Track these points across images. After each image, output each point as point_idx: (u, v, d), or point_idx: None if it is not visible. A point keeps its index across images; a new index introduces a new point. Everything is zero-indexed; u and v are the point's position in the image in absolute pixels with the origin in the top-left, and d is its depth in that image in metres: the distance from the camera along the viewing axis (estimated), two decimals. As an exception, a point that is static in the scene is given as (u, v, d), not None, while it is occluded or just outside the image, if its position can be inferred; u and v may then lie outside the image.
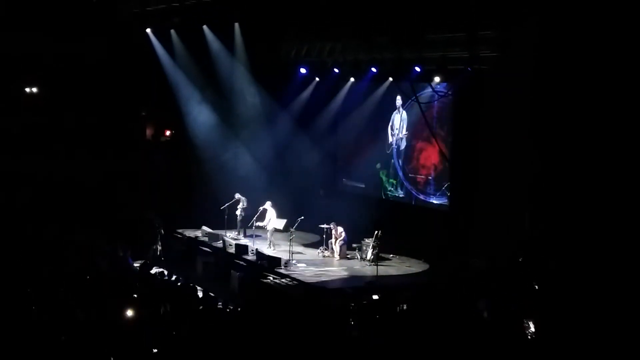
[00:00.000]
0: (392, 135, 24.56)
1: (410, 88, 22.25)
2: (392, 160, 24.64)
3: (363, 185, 25.99)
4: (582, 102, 16.51)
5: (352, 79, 25.13)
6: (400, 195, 24.38)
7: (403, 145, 24.22)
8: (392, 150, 24.61)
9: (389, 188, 24.83)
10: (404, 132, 24.06)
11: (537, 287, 15.78)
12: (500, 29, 18.77)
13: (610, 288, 14.75)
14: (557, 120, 17.23)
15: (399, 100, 24.13)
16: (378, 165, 25.26)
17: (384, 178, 25.09)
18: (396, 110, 24.37)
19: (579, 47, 16.42)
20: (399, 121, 24.29)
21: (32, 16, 24.90)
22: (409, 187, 23.98)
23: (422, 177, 23.49)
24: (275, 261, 20.75)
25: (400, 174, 24.35)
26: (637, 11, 15.30)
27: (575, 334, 12.06)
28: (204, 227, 24.33)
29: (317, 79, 25.87)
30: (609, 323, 12.68)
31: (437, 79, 21.36)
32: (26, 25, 24.68)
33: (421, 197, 23.50)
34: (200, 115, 27.03)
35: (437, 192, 22.84)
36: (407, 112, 23.91)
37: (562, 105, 17.01)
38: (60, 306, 12.40)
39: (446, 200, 22.51)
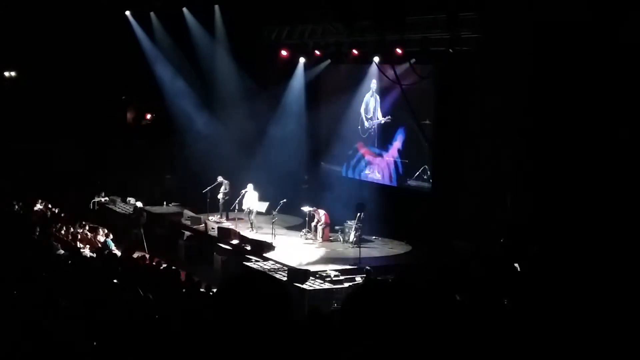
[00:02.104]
0: (367, 119, 24.45)
1: (392, 70, 22.22)
2: (368, 143, 24.58)
3: (340, 169, 25.89)
4: (565, 84, 16.58)
5: (329, 61, 25.00)
6: (377, 178, 24.34)
7: (377, 129, 24.13)
8: (368, 134, 24.52)
9: (366, 171, 24.78)
10: (380, 116, 23.95)
11: (518, 268, 15.88)
12: (481, 10, 18.76)
13: (592, 271, 14.87)
14: (541, 102, 17.31)
15: (374, 83, 23.99)
16: (351, 150, 25.25)
17: (359, 160, 25.06)
18: (370, 93, 24.23)
19: (566, 29, 16.46)
20: (373, 104, 24.17)
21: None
22: (386, 169, 23.97)
23: (399, 160, 23.44)
24: (258, 244, 20.75)
25: (377, 156, 24.30)
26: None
27: (554, 315, 12.13)
28: (186, 211, 24.29)
29: (303, 59, 25.61)
30: (591, 306, 12.76)
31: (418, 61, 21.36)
32: (3, 9, 24.44)
33: (398, 180, 23.49)
34: (181, 98, 26.89)
35: (414, 175, 22.82)
36: (382, 95, 23.77)
37: (546, 87, 17.08)
38: (42, 292, 12.34)
39: (424, 184, 22.48)
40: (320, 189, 24.80)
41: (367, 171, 24.69)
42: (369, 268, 18.75)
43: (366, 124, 24.46)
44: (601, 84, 15.93)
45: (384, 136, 23.95)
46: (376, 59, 22.76)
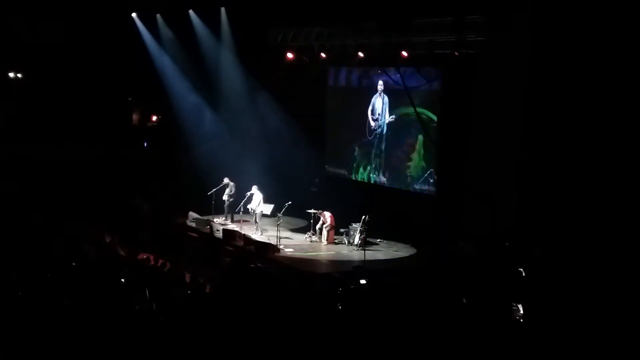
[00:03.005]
0: (374, 120, 24.45)
1: (397, 73, 22.23)
2: (374, 146, 24.55)
3: (344, 172, 25.86)
4: (571, 87, 16.56)
5: (335, 63, 24.99)
6: (383, 181, 24.31)
7: (385, 130, 24.11)
8: (374, 136, 24.51)
9: (372, 174, 24.75)
10: (387, 116, 23.95)
11: (523, 273, 15.82)
12: (487, 13, 18.76)
13: (597, 274, 14.83)
14: (546, 105, 17.29)
15: (380, 85, 24.01)
16: (356, 152, 25.24)
17: (364, 163, 25.04)
18: (377, 94, 24.24)
19: (573, 33, 16.45)
20: (381, 105, 24.17)
21: (16, 0, 24.74)
22: (392, 172, 23.94)
23: (406, 162, 23.42)
24: (263, 246, 20.75)
25: (383, 159, 24.27)
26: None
27: (562, 319, 12.10)
28: (192, 213, 24.29)
29: (306, 59, 25.57)
30: (596, 309, 12.73)
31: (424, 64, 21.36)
32: (10, 10, 24.50)
33: (404, 182, 23.47)
34: (187, 100, 26.94)
35: (420, 178, 22.79)
36: (389, 96, 23.80)
37: (552, 90, 17.06)
38: (47, 293, 12.36)
39: (429, 187, 22.47)
40: (326, 191, 24.78)
41: (372, 174, 24.67)
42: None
43: (372, 124, 24.45)
44: (606, 86, 15.90)
45: (391, 138, 23.93)
46: (382, 61, 22.78)
